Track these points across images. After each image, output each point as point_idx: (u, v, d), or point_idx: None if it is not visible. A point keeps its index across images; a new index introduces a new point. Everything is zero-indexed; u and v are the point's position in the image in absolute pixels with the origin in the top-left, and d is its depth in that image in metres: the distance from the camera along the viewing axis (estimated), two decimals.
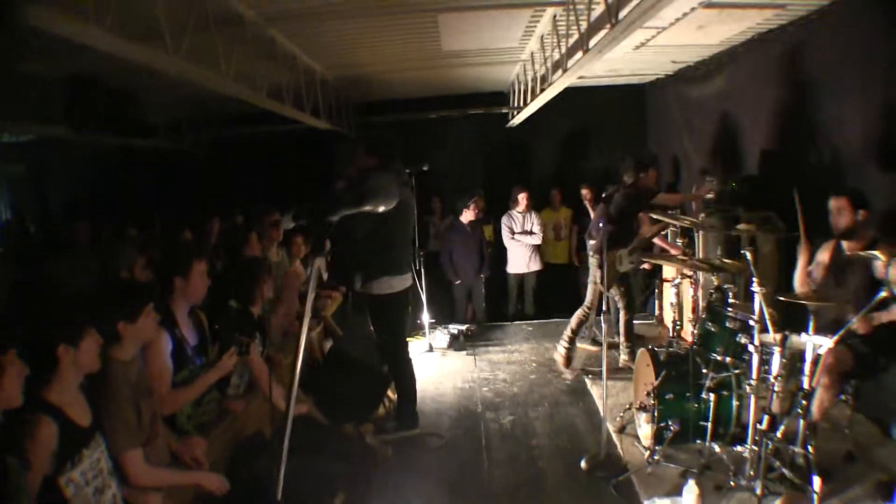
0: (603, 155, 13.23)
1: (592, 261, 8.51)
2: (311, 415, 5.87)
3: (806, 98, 7.75)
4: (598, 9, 6.06)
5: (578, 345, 8.92)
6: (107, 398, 3.89)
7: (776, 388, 5.48)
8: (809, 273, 6.15)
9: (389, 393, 7.51)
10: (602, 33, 6.06)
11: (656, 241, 9.30)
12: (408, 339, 9.48)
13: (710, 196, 8.65)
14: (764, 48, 8.70)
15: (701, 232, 8.56)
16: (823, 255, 6.09)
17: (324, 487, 5.03)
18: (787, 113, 8.24)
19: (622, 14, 5.50)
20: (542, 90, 9.03)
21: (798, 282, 6.25)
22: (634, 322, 9.00)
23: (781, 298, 5.41)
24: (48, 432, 3.34)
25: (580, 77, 8.01)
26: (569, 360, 8.69)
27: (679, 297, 8.70)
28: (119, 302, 4.20)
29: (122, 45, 4.79)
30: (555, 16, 7.63)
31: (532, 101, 9.90)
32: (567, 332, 8.67)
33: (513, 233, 11.34)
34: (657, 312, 10.18)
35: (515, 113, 11.96)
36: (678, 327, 8.71)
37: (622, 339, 8.54)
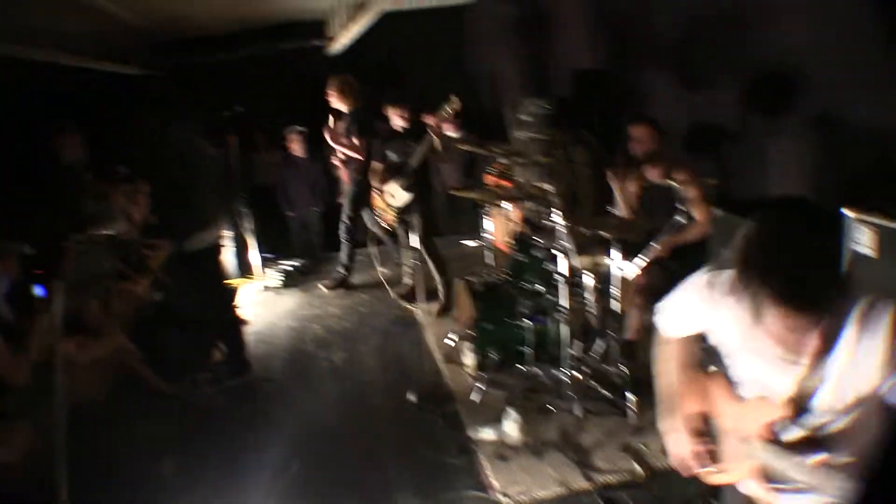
0: (420, 80, 13.29)
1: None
2: (140, 374, 5.82)
3: (612, 18, 7.92)
4: None
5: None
6: None
7: (590, 311, 5.75)
8: (628, 200, 6.36)
9: None
10: None
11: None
12: (238, 280, 9.46)
13: (448, 130, 8.71)
14: None
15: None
16: (632, 184, 6.32)
17: (151, 453, 5.04)
18: (595, 33, 8.42)
19: None
20: (355, 19, 8.95)
21: (621, 209, 6.47)
22: (468, 244, 9.64)
23: (584, 231, 5.61)
24: None
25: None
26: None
27: (501, 223, 8.81)
28: None
29: None
30: None
31: (347, 29, 9.82)
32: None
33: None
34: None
35: (328, 43, 11.82)
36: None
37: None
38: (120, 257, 7.18)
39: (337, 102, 8.92)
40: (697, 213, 5.68)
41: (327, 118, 9.12)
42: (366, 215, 8.90)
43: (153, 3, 9.46)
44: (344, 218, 9.27)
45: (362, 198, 8.96)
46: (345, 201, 9.29)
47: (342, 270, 9.55)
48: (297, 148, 10.77)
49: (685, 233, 5.70)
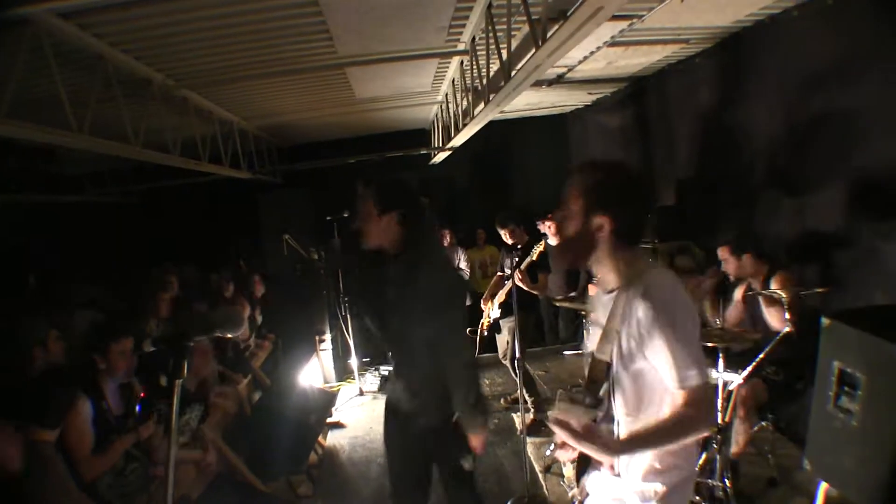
0: (528, 187, 13.43)
1: None
2: (240, 474, 5.86)
3: (715, 127, 7.92)
4: (497, 63, 6.11)
5: None
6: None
7: None
8: (733, 310, 6.29)
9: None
10: (500, 85, 6.13)
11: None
12: (338, 384, 9.50)
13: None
14: (674, 78, 8.94)
15: None
16: (738, 293, 6.23)
17: None
18: (699, 143, 8.41)
19: (515, 70, 5.57)
20: (458, 132, 9.09)
21: (728, 318, 6.36)
22: (567, 353, 9.76)
23: None
24: None
25: (501, 112, 8.02)
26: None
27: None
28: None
29: (20, 128, 4.76)
30: (462, 62, 7.73)
31: (449, 142, 9.98)
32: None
33: None
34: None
35: (435, 152, 12.03)
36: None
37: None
38: (219, 359, 7.35)
39: None
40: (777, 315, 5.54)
41: None
42: None
43: (269, 115, 9.90)
44: None
45: None
46: None
47: None
48: None
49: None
